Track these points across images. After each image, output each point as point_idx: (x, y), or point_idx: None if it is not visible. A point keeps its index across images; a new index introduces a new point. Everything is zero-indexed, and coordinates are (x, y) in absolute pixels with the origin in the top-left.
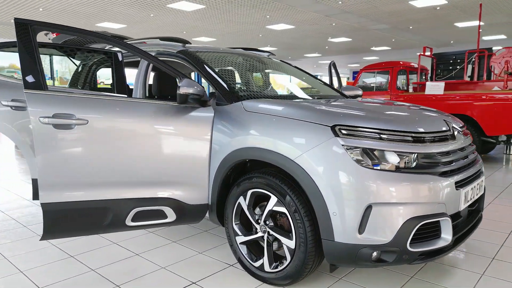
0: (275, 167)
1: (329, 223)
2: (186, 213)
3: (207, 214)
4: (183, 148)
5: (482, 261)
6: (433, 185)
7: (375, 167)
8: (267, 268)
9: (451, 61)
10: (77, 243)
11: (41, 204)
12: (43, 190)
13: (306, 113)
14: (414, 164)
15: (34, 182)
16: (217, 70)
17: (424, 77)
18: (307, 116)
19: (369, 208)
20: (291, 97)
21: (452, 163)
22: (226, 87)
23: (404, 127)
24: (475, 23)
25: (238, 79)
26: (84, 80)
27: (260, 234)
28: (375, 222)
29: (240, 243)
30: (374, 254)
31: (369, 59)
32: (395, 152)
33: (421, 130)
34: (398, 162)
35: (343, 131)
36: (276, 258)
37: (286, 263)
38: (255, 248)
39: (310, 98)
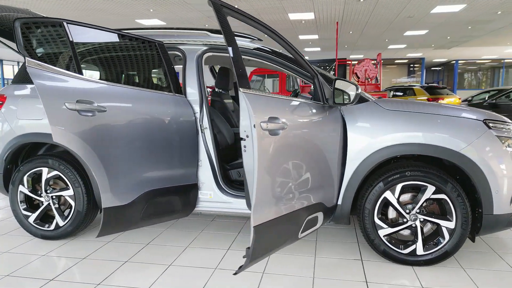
0: (424, 160)
1: (490, 200)
2: (326, 216)
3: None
4: (328, 149)
5: None
6: None
7: None
8: (420, 252)
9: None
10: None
11: (254, 227)
12: (258, 208)
13: (457, 111)
14: None
15: (106, 212)
16: None
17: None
18: (461, 114)
19: None
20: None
21: None
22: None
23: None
24: (312, 36)
25: None
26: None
27: (410, 223)
28: None
29: (384, 235)
30: None
31: None
32: None
33: None
34: None
35: (491, 124)
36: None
37: (443, 242)
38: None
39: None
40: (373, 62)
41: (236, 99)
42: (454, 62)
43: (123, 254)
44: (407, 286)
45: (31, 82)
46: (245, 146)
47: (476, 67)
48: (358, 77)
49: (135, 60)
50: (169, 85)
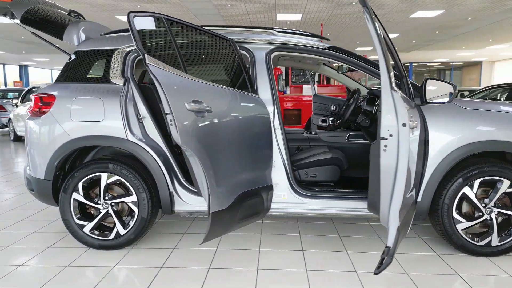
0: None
1: None
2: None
3: None
4: (419, 146)
5: None
6: None
7: None
8: (495, 243)
9: (299, 69)
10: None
11: (398, 227)
12: (402, 208)
13: None
14: None
15: (214, 216)
16: None
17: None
18: None
19: None
20: None
21: None
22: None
23: None
24: None
25: None
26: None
27: (485, 216)
28: None
29: (462, 229)
30: None
31: None
32: None
33: None
34: None
35: None
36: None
37: None
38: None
39: None
40: None
41: None
42: (408, 64)
43: (198, 260)
44: (497, 275)
45: (77, 81)
46: (385, 146)
47: (424, 69)
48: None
49: (217, 57)
50: (247, 85)
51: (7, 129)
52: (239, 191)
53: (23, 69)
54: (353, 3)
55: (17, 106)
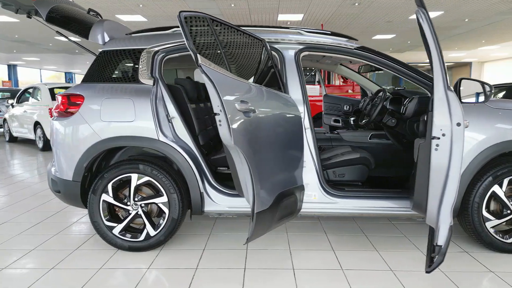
0: None
1: None
2: None
3: None
4: None
5: None
6: None
7: None
8: None
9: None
10: None
11: (451, 226)
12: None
13: None
14: None
15: (259, 216)
16: None
17: None
18: None
19: None
20: None
21: None
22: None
23: None
24: None
25: None
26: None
27: None
28: None
29: (491, 227)
30: None
31: None
32: None
33: None
34: None
35: None
36: None
37: None
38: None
39: None
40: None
41: None
42: None
43: (232, 261)
44: None
45: (104, 81)
46: (437, 145)
47: None
48: (346, 78)
49: (252, 57)
50: (279, 84)
51: (1, 130)
52: (277, 191)
53: (11, 68)
54: (356, 4)
55: (12, 106)
